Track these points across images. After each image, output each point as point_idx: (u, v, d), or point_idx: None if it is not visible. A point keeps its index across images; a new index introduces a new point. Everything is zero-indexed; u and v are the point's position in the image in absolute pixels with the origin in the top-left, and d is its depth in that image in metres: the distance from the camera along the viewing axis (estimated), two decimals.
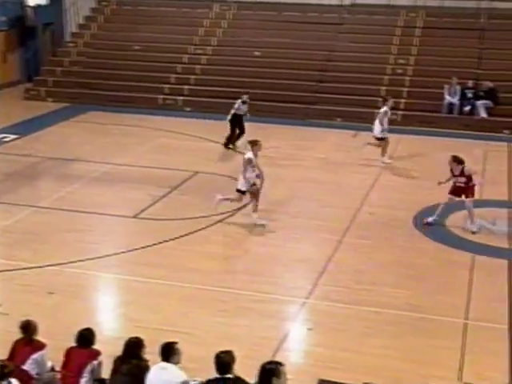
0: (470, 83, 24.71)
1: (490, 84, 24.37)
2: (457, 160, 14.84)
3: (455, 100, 24.41)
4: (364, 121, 23.71)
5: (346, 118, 24.37)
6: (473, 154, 20.27)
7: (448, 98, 24.40)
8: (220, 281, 12.42)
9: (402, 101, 24.84)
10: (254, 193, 14.91)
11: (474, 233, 14.65)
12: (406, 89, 25.45)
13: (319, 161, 19.88)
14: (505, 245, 14.38)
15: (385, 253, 13.80)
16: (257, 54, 27.49)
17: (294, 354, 10.62)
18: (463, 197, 14.83)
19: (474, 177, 14.99)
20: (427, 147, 21.29)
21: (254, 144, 15.01)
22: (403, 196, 17.00)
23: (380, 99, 21.01)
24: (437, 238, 14.51)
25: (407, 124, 23.85)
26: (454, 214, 15.69)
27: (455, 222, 15.39)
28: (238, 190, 14.85)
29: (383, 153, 19.58)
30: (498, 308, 11.71)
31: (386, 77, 25.96)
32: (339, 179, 18.28)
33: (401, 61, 26.45)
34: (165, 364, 7.41)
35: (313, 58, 26.92)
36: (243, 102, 21.06)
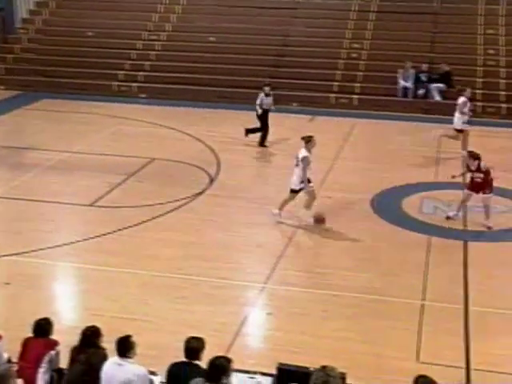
0: (424, 67, 24.92)
1: (445, 67, 24.60)
2: (473, 155, 14.45)
3: (409, 84, 24.60)
4: (320, 105, 23.89)
5: (303, 103, 24.41)
6: (427, 136, 20.54)
7: (402, 83, 24.58)
8: (178, 268, 12.39)
9: (357, 85, 24.98)
10: (309, 192, 14.35)
11: (489, 228, 14.34)
12: (360, 73, 25.56)
13: (275, 146, 19.90)
14: (460, 226, 14.56)
15: (343, 236, 13.89)
16: (212, 39, 27.37)
17: (253, 338, 10.67)
18: (480, 193, 14.49)
19: (491, 171, 14.60)
20: (382, 131, 21.45)
21: (308, 140, 14.20)
22: (360, 180, 17.10)
23: (459, 87, 20.60)
24: (393, 221, 14.64)
25: (362, 108, 24.01)
26: (410, 196, 15.88)
27: (411, 204, 15.54)
28: (293, 190, 14.22)
29: (464, 146, 18.97)
30: (454, 288, 11.87)
31: (341, 61, 26.06)
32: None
33: (355, 45, 26.55)
34: (121, 360, 7.33)
35: (268, 43, 26.92)
36: (266, 95, 20.10)
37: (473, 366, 9.68)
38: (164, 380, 7.60)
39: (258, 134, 19.92)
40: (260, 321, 11.23)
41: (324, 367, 6.32)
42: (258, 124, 20.01)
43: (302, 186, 14.07)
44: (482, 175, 14.35)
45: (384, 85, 24.86)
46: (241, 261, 12.98)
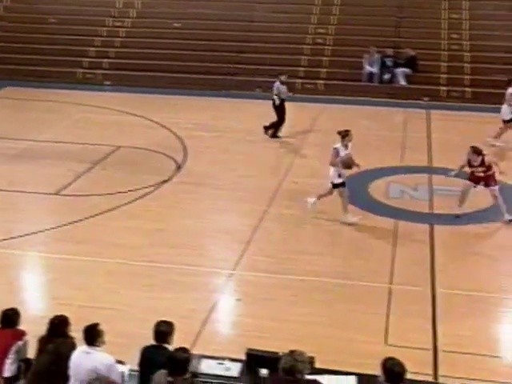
0: (390, 52, 25.02)
1: (410, 52, 24.73)
2: (477, 151, 14.18)
3: (375, 69, 24.69)
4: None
5: (267, 89, 24.32)
6: (393, 121, 20.66)
7: (368, 68, 24.65)
8: (145, 255, 12.34)
9: (323, 70, 25.01)
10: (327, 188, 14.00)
11: (511, 221, 14.01)
12: (326, 58, 25.58)
13: (241, 132, 19.87)
14: (426, 210, 14.68)
15: (310, 221, 13.92)
16: (177, 25, 27.19)
17: (222, 325, 10.67)
18: (481, 184, 14.20)
19: (493, 166, 14.38)
20: (349, 116, 21.47)
21: (345, 134, 13.91)
22: (326, 165, 17.08)
23: (509, 78, 20.35)
24: (361, 205, 14.70)
25: (328, 93, 24.03)
26: (376, 181, 15.97)
27: (378, 188, 15.63)
28: (334, 185, 13.83)
29: (499, 135, 18.93)
30: (421, 272, 11.97)
31: (307, 46, 26.05)
32: (261, 150, 18.30)
33: (321, 30, 26.55)
34: (89, 348, 7.30)
35: (233, 28, 26.78)
36: (282, 83, 19.55)
37: (440, 347, 9.78)
38: (133, 368, 7.59)
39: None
40: (229, 307, 11.24)
41: (292, 352, 6.37)
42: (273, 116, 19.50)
43: (341, 180, 13.72)
44: (484, 169, 14.10)
45: (350, 70, 24.90)
46: (209, 247, 12.97)
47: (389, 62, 24.78)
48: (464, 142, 18.57)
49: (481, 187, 14.20)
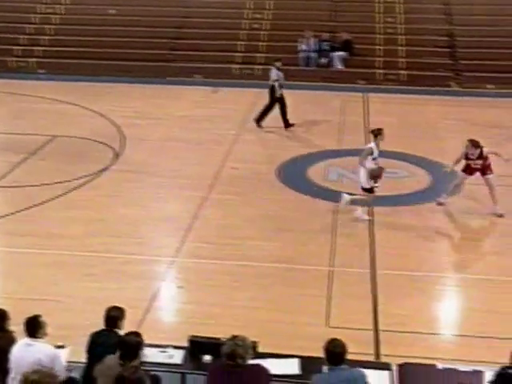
0: (326, 36, 25.15)
1: (346, 36, 24.89)
2: (475, 144, 13.80)
3: (312, 53, 24.78)
4: (223, 77, 23.80)
5: (205, 75, 24.28)
6: (331, 105, 20.80)
7: (304, 52, 24.68)
8: (85, 245, 12.21)
9: (260, 55, 24.99)
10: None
11: (501, 216, 13.65)
12: (263, 43, 25.57)
13: (180, 119, 19.77)
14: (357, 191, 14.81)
15: (250, 207, 13.95)
16: (111, 12, 26.85)
17: (164, 312, 10.65)
18: (475, 175, 13.94)
19: (494, 156, 14.12)
20: (287, 100, 21.50)
21: (378, 133, 13.29)
22: (265, 150, 17.22)
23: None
24: (300, 189, 14.80)
25: (266, 79, 23.95)
26: (315, 164, 16.08)
27: (316, 172, 15.73)
28: (364, 189, 13.35)
29: None
30: (361, 253, 12.11)
31: (243, 32, 25.99)
32: (201, 136, 18.23)
33: (257, 15, 26.51)
34: (30, 340, 7.19)
35: (169, 14, 26.57)
36: (278, 69, 19.05)
37: (381, 327, 9.92)
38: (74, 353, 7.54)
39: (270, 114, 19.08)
40: (171, 294, 11.21)
41: (234, 337, 6.38)
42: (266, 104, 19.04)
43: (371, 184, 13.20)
44: (482, 162, 13.80)
45: (287, 54, 24.86)
46: (149, 235, 12.90)
47: (325, 46, 24.92)
48: (401, 124, 18.97)
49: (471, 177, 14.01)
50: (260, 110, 18.92)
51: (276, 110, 18.76)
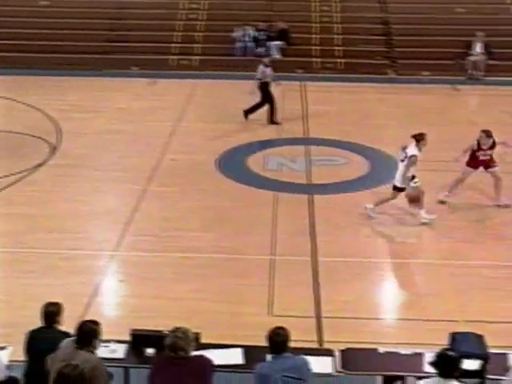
0: (262, 25, 25.13)
1: (282, 25, 24.92)
2: (489, 134, 13.44)
3: (248, 43, 24.74)
4: (160, 68, 23.63)
5: (143, 66, 24.06)
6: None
7: (241, 42, 24.63)
8: (24, 241, 11.98)
9: (197, 46, 24.87)
10: (413, 197, 12.80)
11: (508, 206, 13.59)
12: (200, 34, 25.42)
13: (118, 111, 19.54)
14: (304, 181, 14.91)
15: (189, 198, 13.88)
16: (44, 3, 26.35)
17: (106, 307, 10.53)
18: (480, 169, 13.68)
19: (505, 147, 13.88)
20: (225, 91, 21.51)
21: (421, 138, 12.76)
22: (204, 140, 17.12)
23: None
24: (239, 179, 14.78)
25: (204, 69, 23.96)
26: (254, 154, 16.09)
27: (256, 162, 15.74)
28: (396, 188, 12.79)
29: None
30: (302, 242, 12.14)
31: (180, 22, 25.79)
32: (139, 129, 18.05)
33: (193, 5, 26.36)
34: None
35: (104, 6, 26.19)
36: (266, 66, 18.67)
37: (324, 314, 9.98)
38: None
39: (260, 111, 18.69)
40: (112, 288, 11.10)
41: (176, 329, 6.35)
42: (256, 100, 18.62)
43: (405, 184, 12.65)
44: (491, 152, 13.54)
45: (224, 45, 24.87)
46: (89, 230, 12.74)
47: (262, 35, 24.91)
48: (339, 112, 19.08)
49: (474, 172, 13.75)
50: (252, 104, 18.63)
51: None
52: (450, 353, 6.46)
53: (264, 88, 18.41)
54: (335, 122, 18.42)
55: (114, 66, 23.94)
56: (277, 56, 24.62)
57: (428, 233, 12.63)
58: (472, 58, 23.76)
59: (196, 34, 25.38)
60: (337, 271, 11.25)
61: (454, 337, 7.49)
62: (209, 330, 8.12)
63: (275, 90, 18.60)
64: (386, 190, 13.46)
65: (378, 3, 26.40)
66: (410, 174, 12.53)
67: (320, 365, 7.24)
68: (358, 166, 15.63)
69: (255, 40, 24.84)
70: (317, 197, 14.00)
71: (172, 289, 10.57)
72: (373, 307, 10.51)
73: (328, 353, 7.77)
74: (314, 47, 24.79)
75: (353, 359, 7.64)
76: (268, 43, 24.75)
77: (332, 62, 24.43)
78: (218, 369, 6.84)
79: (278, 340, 6.54)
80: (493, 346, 7.66)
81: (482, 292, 10.61)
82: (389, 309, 10.72)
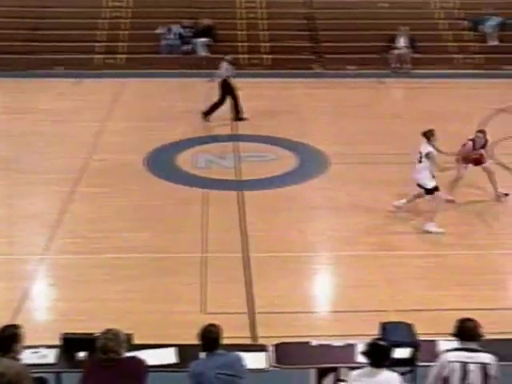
0: (188, 22, 25.00)
1: (207, 22, 24.85)
2: (485, 133, 13.50)
3: (174, 41, 24.60)
4: (85, 67, 23.32)
5: (67, 66, 23.68)
6: (196, 92, 20.74)
7: (166, 40, 24.49)
8: None
9: (123, 44, 24.62)
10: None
11: (507, 195, 13.67)
12: (125, 32, 25.13)
13: (43, 112, 19.18)
14: (232, 177, 14.90)
15: (119, 198, 13.70)
16: None
17: (36, 312, 10.35)
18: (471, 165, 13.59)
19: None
20: (152, 89, 21.36)
21: (431, 134, 12.44)
22: (133, 140, 16.96)
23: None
24: (168, 178, 14.69)
25: (130, 67, 23.72)
26: (183, 152, 16.02)
27: (185, 160, 15.67)
28: (427, 190, 12.42)
29: None
30: (233, 238, 12.13)
31: (104, 21, 25.45)
32: (66, 129, 17.76)
33: (117, 3, 26.04)
34: None
35: (26, 4, 25.65)
36: (230, 63, 18.67)
37: (257, 310, 9.99)
38: None
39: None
40: (42, 293, 10.91)
41: (107, 331, 6.28)
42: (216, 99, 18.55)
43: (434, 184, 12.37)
44: (483, 150, 13.56)
45: (150, 42, 24.68)
46: (16, 234, 12.46)
47: (187, 32, 24.79)
48: (268, 108, 19.13)
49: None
50: (210, 104, 18.54)
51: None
52: (381, 342, 6.55)
53: (226, 85, 18.36)
54: (263, 118, 18.46)
55: (39, 66, 23.50)
56: (203, 53, 24.58)
57: (358, 225, 12.76)
58: (396, 52, 24.16)
59: (121, 32, 25.10)
60: (269, 266, 11.27)
61: (385, 327, 7.58)
62: (142, 330, 8.06)
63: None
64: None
65: None
66: (433, 173, 12.32)
67: (254, 360, 7.23)
68: (287, 161, 15.70)
69: (181, 37, 24.72)
70: (247, 193, 14.01)
71: (103, 290, 10.44)
72: (305, 301, 10.57)
73: (261, 348, 7.77)
74: (240, 43, 24.80)
75: (286, 353, 7.66)
76: (194, 40, 24.66)
77: (259, 58, 24.50)
78: (152, 369, 6.78)
79: (210, 337, 6.52)
80: (423, 334, 7.79)
81: (412, 281, 10.80)
82: (321, 302, 10.82)
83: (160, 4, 25.73)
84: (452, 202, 13.37)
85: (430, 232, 12.34)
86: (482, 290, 10.55)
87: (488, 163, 13.71)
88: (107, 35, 24.83)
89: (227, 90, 18.38)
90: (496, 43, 25.34)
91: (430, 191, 12.38)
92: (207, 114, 18.34)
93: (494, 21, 25.40)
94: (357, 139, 16.95)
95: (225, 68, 18.57)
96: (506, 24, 25.48)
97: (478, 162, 13.59)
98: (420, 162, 12.34)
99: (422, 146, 12.39)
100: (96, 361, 6.34)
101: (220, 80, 18.51)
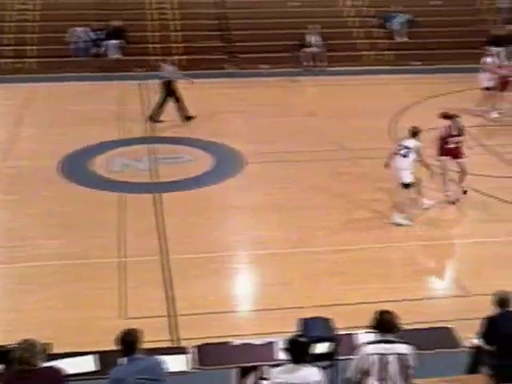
0: (99, 24, 24.68)
1: (118, 23, 24.58)
2: (449, 116, 13.37)
3: (85, 43, 24.26)
4: None
5: None
6: (108, 94, 20.52)
7: (76, 43, 24.14)
8: None
9: (32, 48, 24.12)
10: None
11: (465, 192, 13.65)
12: (34, 35, 24.63)
13: None
14: (149, 180, 14.80)
15: (33, 205, 13.41)
16: None
17: None
18: (458, 159, 13.48)
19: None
20: (63, 93, 21.02)
21: (418, 131, 12.61)
22: (45, 145, 16.63)
23: None
24: (83, 183, 14.47)
25: (40, 72, 23.26)
26: (97, 156, 15.83)
27: (99, 164, 15.48)
28: (405, 184, 12.54)
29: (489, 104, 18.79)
30: (152, 240, 12.04)
31: (10, 24, 24.82)
32: None
33: (23, 6, 25.44)
34: None
35: None
36: (172, 64, 18.53)
37: (179, 312, 9.94)
38: None
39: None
40: None
41: (22, 342, 6.16)
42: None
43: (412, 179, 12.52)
44: (462, 138, 13.42)
45: (60, 46, 24.22)
46: None
47: (99, 35, 24.47)
48: (203, 108, 18.93)
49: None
50: (154, 107, 18.37)
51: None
52: (300, 339, 6.62)
53: (168, 87, 18.28)
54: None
55: None
56: (115, 55, 24.30)
57: (275, 224, 12.84)
58: (308, 50, 24.40)
59: (29, 35, 24.57)
60: (189, 268, 11.23)
61: (304, 322, 7.66)
62: (62, 338, 8.00)
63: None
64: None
65: None
66: (412, 165, 12.53)
67: (175, 363, 7.22)
68: (203, 162, 15.69)
69: (92, 40, 24.38)
70: (164, 195, 13.92)
71: (21, 300, 10.22)
72: (226, 300, 10.56)
73: (181, 350, 7.75)
74: (153, 45, 24.64)
75: (208, 354, 7.66)
76: (105, 42, 24.36)
77: (173, 59, 24.31)
78: (72, 378, 6.69)
79: (128, 340, 6.45)
80: (342, 328, 7.91)
81: (330, 277, 10.91)
82: (242, 301, 10.81)
83: (69, 7, 25.31)
84: (457, 201, 13.48)
85: (400, 224, 12.58)
86: (398, 281, 10.79)
87: (464, 160, 13.52)
88: (14, 39, 24.29)
89: (170, 91, 18.32)
90: (405, 40, 25.90)
91: (407, 185, 12.58)
92: (153, 117, 18.30)
93: (401, 18, 25.97)
94: (272, 138, 17.06)
95: (168, 70, 18.52)
96: (414, 21, 26.10)
97: (455, 155, 13.47)
98: (405, 156, 12.46)
99: (409, 142, 12.56)
100: (12, 373, 6.21)
101: (162, 81, 18.42)
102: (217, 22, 25.76)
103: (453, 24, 26.28)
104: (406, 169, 12.47)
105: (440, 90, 21.16)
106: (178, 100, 18.40)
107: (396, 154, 12.61)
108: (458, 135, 13.43)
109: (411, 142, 12.53)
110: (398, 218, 12.71)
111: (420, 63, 24.85)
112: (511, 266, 11.19)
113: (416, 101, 20.21)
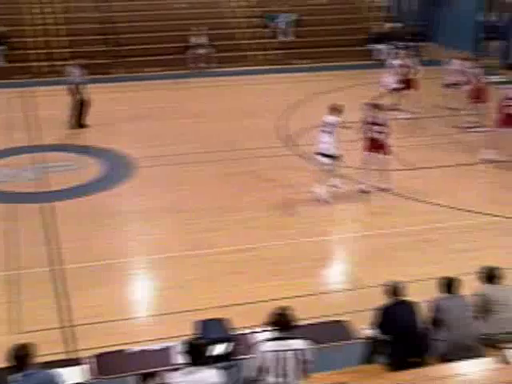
0: None
1: (2, 29, 23.93)
2: (377, 106, 13.88)
3: None
4: None
5: None
6: None
7: None
8: None
9: None
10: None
11: (391, 189, 14.04)
12: None
13: None
14: (38, 189, 14.45)
15: None
16: None
17: None
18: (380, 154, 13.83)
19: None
20: None
21: (341, 109, 13.41)
22: None
23: None
24: None
25: None
26: None
27: None
28: (328, 156, 13.30)
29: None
30: (42, 252, 11.72)
31: None
32: None
33: None
34: None
35: None
36: (81, 67, 17.93)
37: (75, 322, 9.71)
38: None
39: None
40: None
41: None
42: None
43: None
44: (383, 130, 13.72)
45: None
46: None
47: None
48: (66, 115, 18.59)
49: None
50: (72, 115, 18.06)
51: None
52: (196, 341, 6.60)
53: (76, 91, 18.04)
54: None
55: None
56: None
57: (170, 227, 12.77)
58: (195, 52, 24.41)
59: None
60: (84, 277, 10.99)
61: (201, 324, 7.65)
62: None
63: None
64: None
65: (101, 2, 26.17)
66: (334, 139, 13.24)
67: (71, 375, 7.07)
68: (93, 169, 15.44)
69: None
70: (56, 204, 13.59)
71: None
72: (123, 307, 10.39)
73: (76, 362, 7.60)
74: (39, 51, 24.15)
75: (106, 363, 7.54)
76: None
77: (61, 64, 23.85)
78: None
79: (21, 355, 6.28)
80: (241, 327, 7.94)
81: (228, 277, 10.92)
82: (139, 306, 10.66)
83: None
84: (388, 190, 14.04)
85: (326, 201, 13.47)
86: (296, 278, 10.89)
87: (384, 157, 13.91)
88: None
89: (77, 94, 18.13)
90: (290, 39, 26.26)
91: (334, 157, 13.32)
92: (79, 122, 18.16)
93: (287, 18, 26.32)
94: (162, 141, 16.99)
95: (74, 73, 18.22)
96: (300, 21, 26.49)
97: (376, 148, 13.82)
98: (329, 132, 13.21)
99: (329, 118, 13.32)
100: None
101: (70, 86, 18.14)
102: (102, 26, 25.42)
103: (336, 23, 26.88)
104: (326, 142, 13.24)
105: (326, 86, 21.61)
106: (81, 105, 18.21)
107: (320, 130, 13.40)
108: (383, 124, 13.82)
109: (331, 119, 13.30)
110: (321, 191, 13.49)
111: (306, 62, 25.27)
112: (398, 257, 11.55)
113: (303, 98, 20.52)
